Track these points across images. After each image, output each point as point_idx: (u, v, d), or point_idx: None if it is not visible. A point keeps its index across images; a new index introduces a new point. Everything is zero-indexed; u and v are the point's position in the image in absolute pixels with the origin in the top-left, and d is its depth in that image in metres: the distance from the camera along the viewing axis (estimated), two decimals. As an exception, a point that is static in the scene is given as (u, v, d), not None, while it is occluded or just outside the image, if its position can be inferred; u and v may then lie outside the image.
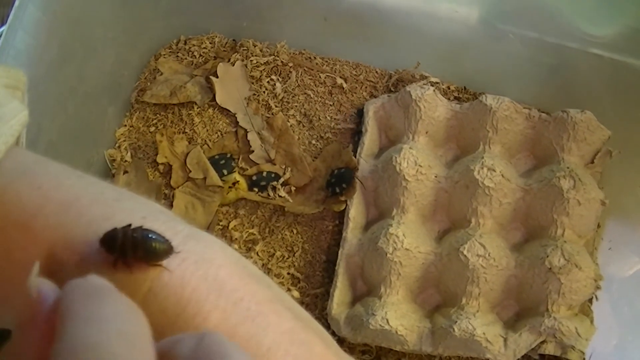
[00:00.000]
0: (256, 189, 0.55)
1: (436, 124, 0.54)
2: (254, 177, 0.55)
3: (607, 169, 0.53)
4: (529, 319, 0.48)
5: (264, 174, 0.55)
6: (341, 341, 0.49)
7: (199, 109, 0.58)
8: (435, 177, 0.51)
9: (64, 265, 0.20)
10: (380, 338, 0.47)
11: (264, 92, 0.59)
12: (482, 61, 0.57)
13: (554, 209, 0.49)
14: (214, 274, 0.21)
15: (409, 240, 0.48)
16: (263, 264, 0.53)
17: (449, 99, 0.56)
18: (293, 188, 0.55)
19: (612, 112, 0.53)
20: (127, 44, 0.57)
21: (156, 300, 0.20)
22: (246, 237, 0.54)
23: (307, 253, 0.53)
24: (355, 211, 0.52)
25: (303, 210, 0.54)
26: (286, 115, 0.58)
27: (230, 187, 0.55)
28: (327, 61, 0.60)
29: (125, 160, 0.57)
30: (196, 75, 0.59)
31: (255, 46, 0.60)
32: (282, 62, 0.59)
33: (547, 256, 0.47)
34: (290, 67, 0.59)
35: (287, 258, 0.53)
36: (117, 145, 0.57)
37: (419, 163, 0.51)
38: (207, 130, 0.57)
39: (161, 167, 0.56)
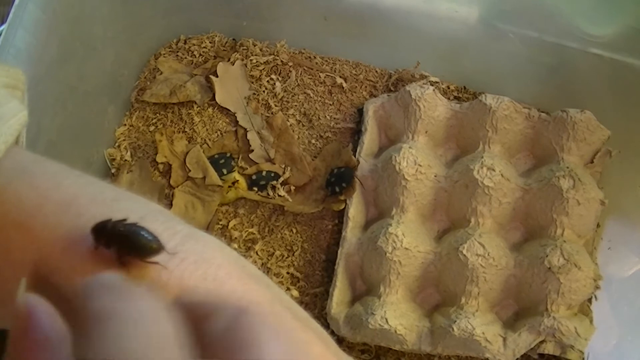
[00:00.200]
0: (256, 188, 0.55)
1: (436, 123, 0.54)
2: (254, 177, 0.55)
3: (607, 169, 0.53)
4: (528, 318, 0.48)
5: (264, 173, 0.55)
6: (340, 340, 0.49)
7: (198, 108, 0.58)
8: (435, 176, 0.51)
9: (62, 265, 0.20)
10: (380, 337, 0.47)
11: (263, 91, 0.59)
12: (482, 61, 0.57)
13: (553, 208, 0.49)
14: (213, 273, 0.21)
15: (409, 240, 0.48)
16: (262, 263, 0.53)
17: (448, 98, 0.56)
18: (293, 187, 0.55)
19: (612, 111, 0.53)
20: (127, 43, 0.57)
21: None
22: (246, 237, 0.54)
23: (307, 252, 0.53)
24: (355, 210, 0.52)
25: (302, 210, 0.54)
26: (286, 114, 0.58)
27: (229, 186, 0.55)
28: (326, 60, 0.60)
29: (125, 160, 0.57)
30: (196, 75, 0.59)
31: (255, 45, 0.60)
32: (281, 61, 0.59)
33: (547, 256, 0.47)
34: (290, 66, 0.59)
35: (287, 257, 0.53)
36: (116, 144, 0.57)
37: (418, 162, 0.51)
38: (207, 130, 0.57)
39: (161, 167, 0.56)
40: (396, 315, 0.47)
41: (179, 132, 0.57)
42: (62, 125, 0.50)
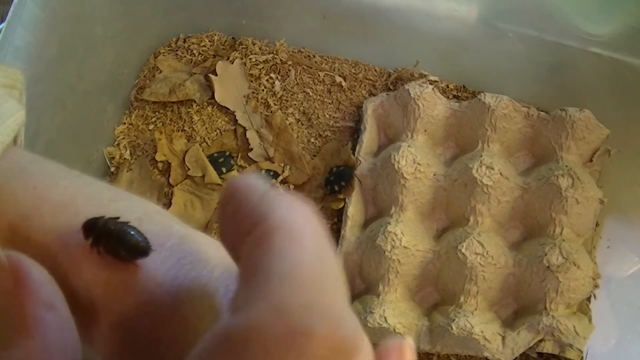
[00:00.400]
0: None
1: (435, 122, 0.54)
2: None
3: (606, 168, 0.53)
4: (527, 317, 0.48)
5: (263, 172, 0.55)
6: (339, 339, 0.49)
7: (198, 107, 0.58)
8: (434, 175, 0.51)
9: (59, 265, 0.20)
10: (379, 336, 0.47)
11: (263, 90, 0.59)
12: (481, 60, 0.57)
13: (552, 207, 0.49)
14: (207, 275, 0.21)
15: (407, 239, 0.48)
16: (262, 262, 0.53)
17: (448, 97, 0.56)
18: (292, 186, 0.55)
19: (611, 110, 0.53)
20: (127, 42, 0.57)
21: (150, 299, 0.20)
22: (245, 235, 0.54)
23: (306, 251, 0.53)
24: (354, 209, 0.52)
25: (302, 208, 0.54)
26: (285, 113, 0.58)
27: (229, 185, 0.55)
28: (326, 59, 0.60)
29: (125, 158, 0.57)
30: (195, 73, 0.59)
31: (254, 44, 0.60)
32: (281, 60, 0.59)
33: (546, 254, 0.47)
34: (289, 65, 0.59)
35: (286, 256, 0.53)
36: (116, 143, 0.57)
37: (417, 161, 0.51)
38: (206, 128, 0.57)
39: (160, 165, 0.56)
40: (395, 314, 0.47)
41: (178, 130, 0.57)
42: (61, 124, 0.50)
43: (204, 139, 0.57)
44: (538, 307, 0.47)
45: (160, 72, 0.59)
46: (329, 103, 0.58)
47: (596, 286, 0.48)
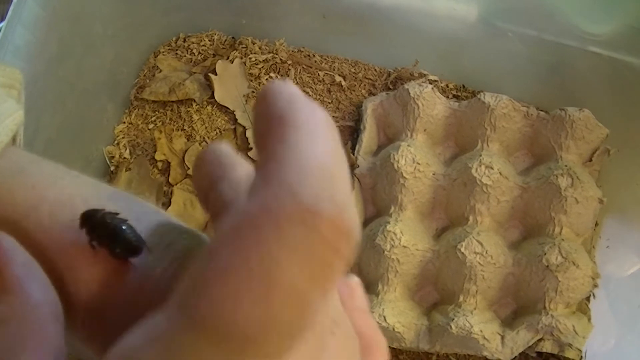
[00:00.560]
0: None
1: (434, 121, 0.54)
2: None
3: (605, 167, 0.53)
4: (526, 316, 0.48)
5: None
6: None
7: (197, 106, 0.58)
8: (433, 174, 0.51)
9: (55, 265, 0.20)
10: (378, 335, 0.47)
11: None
12: (481, 59, 0.57)
13: (551, 207, 0.49)
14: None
15: (407, 238, 0.48)
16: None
17: (447, 97, 0.56)
18: (291, 185, 0.55)
19: (611, 110, 0.53)
20: (127, 41, 0.57)
21: (146, 297, 0.20)
22: (244, 234, 0.54)
23: (305, 250, 0.53)
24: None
25: (301, 208, 0.54)
26: (285, 112, 0.58)
27: (228, 184, 0.55)
28: (325, 59, 0.60)
29: (124, 157, 0.57)
30: (195, 73, 0.59)
31: (254, 44, 0.60)
32: (280, 59, 0.59)
33: (545, 254, 0.47)
34: (289, 64, 0.59)
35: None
36: (115, 142, 0.57)
37: (417, 160, 0.51)
38: (206, 128, 0.57)
39: (160, 164, 0.56)
40: (394, 313, 0.47)
41: (178, 130, 0.58)
42: (61, 123, 0.50)
43: (204, 138, 0.57)
44: (537, 306, 0.47)
45: (160, 71, 0.59)
46: (329, 102, 0.58)
47: (595, 286, 0.48)
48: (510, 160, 0.54)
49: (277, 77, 0.59)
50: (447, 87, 0.58)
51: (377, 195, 0.53)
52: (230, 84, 0.58)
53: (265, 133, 0.14)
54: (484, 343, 0.46)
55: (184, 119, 0.58)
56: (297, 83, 0.59)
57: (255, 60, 0.59)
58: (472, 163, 0.50)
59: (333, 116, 0.58)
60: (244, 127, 0.57)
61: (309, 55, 0.60)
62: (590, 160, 0.52)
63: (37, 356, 0.14)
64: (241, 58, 0.59)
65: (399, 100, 0.54)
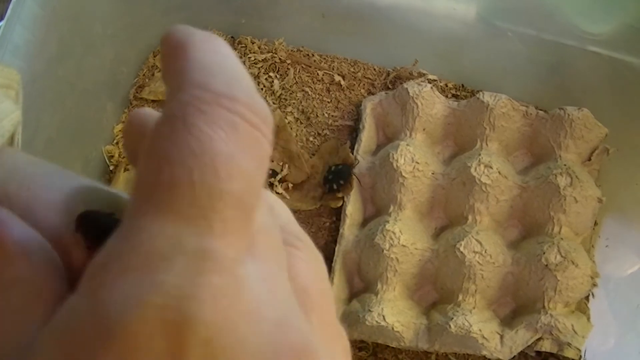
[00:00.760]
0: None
1: (433, 121, 0.54)
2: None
3: (605, 167, 0.53)
4: (525, 316, 0.48)
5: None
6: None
7: (197, 105, 0.58)
8: (432, 174, 0.51)
9: None
10: (377, 334, 0.47)
11: (262, 89, 0.59)
12: (480, 59, 0.57)
13: (550, 206, 0.49)
14: None
15: (406, 237, 0.48)
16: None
17: (446, 96, 0.56)
18: (290, 185, 0.55)
19: (610, 109, 0.53)
20: (126, 41, 0.57)
21: None
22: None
23: (305, 249, 0.53)
24: (352, 208, 0.52)
25: (300, 207, 0.54)
26: (284, 112, 0.58)
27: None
28: (325, 58, 0.60)
29: (123, 157, 0.57)
30: (195, 72, 0.59)
31: (253, 43, 0.60)
32: (280, 59, 0.59)
33: (544, 253, 0.47)
34: (288, 64, 0.59)
35: (285, 254, 0.53)
36: (115, 141, 0.57)
37: (416, 160, 0.51)
38: (205, 127, 0.58)
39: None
40: (393, 313, 0.47)
41: (178, 129, 0.58)
42: (61, 123, 0.50)
43: (203, 137, 0.57)
44: (536, 305, 0.47)
45: (160, 70, 0.60)
46: (328, 102, 0.58)
47: (595, 285, 0.48)
48: (509, 160, 0.54)
49: (276, 76, 0.59)
50: (446, 86, 0.58)
51: (376, 195, 0.53)
52: (229, 84, 0.58)
53: (171, 62, 0.14)
54: (483, 342, 0.46)
55: (184, 118, 0.58)
56: (297, 82, 0.59)
57: (255, 59, 0.59)
58: (471, 162, 0.50)
59: (332, 115, 0.58)
60: (243, 127, 0.57)
61: (308, 55, 0.60)
62: (590, 159, 0.52)
63: (46, 313, 0.14)
64: (240, 57, 0.59)
65: (398, 100, 0.54)
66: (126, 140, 0.19)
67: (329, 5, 0.57)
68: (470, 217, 0.50)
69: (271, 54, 0.59)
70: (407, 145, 0.51)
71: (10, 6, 0.42)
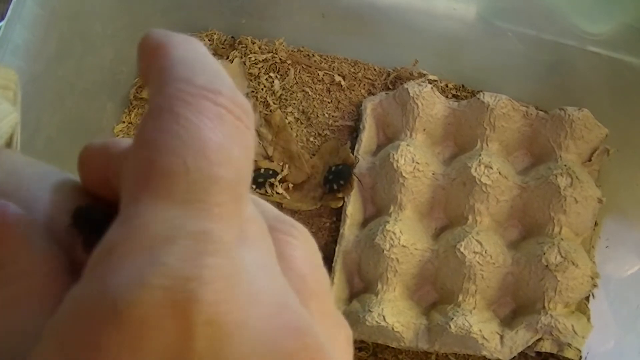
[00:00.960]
0: (254, 186, 0.55)
1: (434, 121, 0.54)
2: (252, 174, 0.55)
3: (605, 167, 0.53)
4: (525, 316, 0.48)
5: (262, 170, 0.55)
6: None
7: (197, 105, 0.58)
8: (433, 174, 0.51)
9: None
10: (377, 335, 0.47)
11: (262, 89, 0.59)
12: (480, 59, 0.57)
13: (551, 206, 0.49)
14: None
15: (406, 237, 0.48)
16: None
17: (447, 96, 0.56)
18: (290, 185, 0.55)
19: (610, 110, 0.53)
20: (126, 40, 0.57)
21: None
22: (244, 234, 0.54)
23: (305, 250, 0.53)
24: (353, 208, 0.52)
25: (300, 207, 0.54)
26: (284, 112, 0.58)
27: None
28: (325, 58, 0.60)
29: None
30: (195, 72, 0.59)
31: (253, 43, 0.60)
32: (280, 59, 0.59)
33: (544, 253, 0.47)
34: (289, 64, 0.59)
35: (285, 255, 0.53)
36: (115, 141, 0.57)
37: (416, 160, 0.51)
38: (206, 127, 0.57)
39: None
40: (393, 313, 0.47)
41: (178, 129, 0.58)
42: (61, 122, 0.50)
43: (203, 137, 0.57)
44: (536, 306, 0.47)
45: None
46: (328, 102, 0.58)
47: (595, 285, 0.48)
48: (509, 160, 0.54)
49: (276, 76, 0.59)
50: (447, 86, 0.58)
51: (376, 195, 0.53)
52: (229, 84, 0.58)
53: (152, 62, 0.15)
54: (483, 342, 0.46)
55: (184, 118, 0.58)
56: (297, 83, 0.59)
57: (255, 59, 0.59)
58: (471, 162, 0.50)
59: (332, 116, 0.58)
60: (243, 127, 0.57)
61: (308, 55, 0.60)
62: (590, 160, 0.52)
63: (51, 304, 0.14)
64: (241, 58, 0.59)
65: (398, 100, 0.54)
66: (86, 171, 0.19)
67: (329, 5, 0.57)
68: (470, 218, 0.50)
69: (271, 54, 0.59)
70: (408, 145, 0.51)
71: (11, 6, 0.42)
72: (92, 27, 0.52)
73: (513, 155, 0.54)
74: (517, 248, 0.50)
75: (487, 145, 0.52)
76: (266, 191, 0.55)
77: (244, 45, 0.60)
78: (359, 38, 0.59)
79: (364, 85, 0.59)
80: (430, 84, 0.55)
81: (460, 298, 0.48)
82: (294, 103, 0.58)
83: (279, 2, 0.58)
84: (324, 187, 0.55)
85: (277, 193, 0.54)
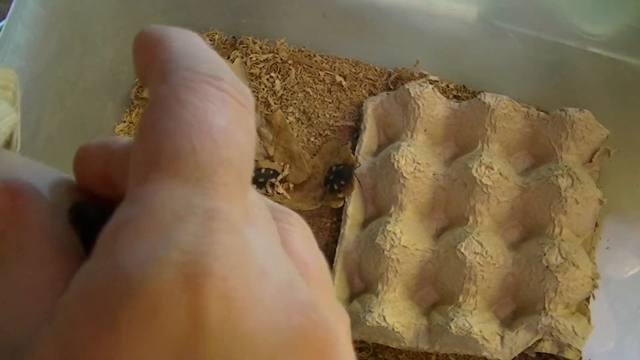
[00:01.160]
0: (254, 186, 0.55)
1: (435, 122, 0.54)
2: (252, 174, 0.55)
3: (605, 168, 0.53)
4: (526, 317, 0.48)
5: (263, 170, 0.55)
6: (338, 338, 0.49)
7: (198, 105, 0.58)
8: (433, 174, 0.51)
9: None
10: (377, 335, 0.47)
11: (263, 89, 0.59)
12: (481, 59, 0.57)
13: (551, 207, 0.49)
14: None
15: (407, 238, 0.48)
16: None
17: (447, 97, 0.56)
18: (291, 185, 0.55)
19: (611, 111, 0.53)
20: (127, 40, 0.57)
21: None
22: (244, 234, 0.54)
23: (305, 250, 0.53)
24: (353, 208, 0.52)
25: (301, 207, 0.54)
26: (285, 112, 0.58)
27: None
28: (326, 59, 0.60)
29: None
30: (195, 72, 0.59)
31: (254, 43, 0.60)
32: (281, 59, 0.59)
33: (545, 254, 0.47)
34: (290, 64, 0.59)
35: (285, 255, 0.53)
36: (116, 141, 0.57)
37: (417, 160, 0.51)
38: (206, 127, 0.57)
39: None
40: (394, 313, 0.47)
41: (178, 129, 0.57)
42: (61, 122, 0.50)
43: (204, 137, 0.57)
44: (537, 307, 0.47)
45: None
46: (329, 102, 0.58)
47: (595, 286, 0.48)
48: (510, 161, 0.54)
49: (277, 76, 0.59)
50: (448, 87, 0.58)
51: (377, 195, 0.53)
52: (230, 84, 0.58)
53: (151, 56, 0.15)
54: (484, 343, 0.46)
55: (184, 118, 0.58)
56: (298, 83, 0.59)
57: (256, 59, 0.59)
58: (472, 163, 0.50)
59: (333, 116, 0.58)
60: (244, 127, 0.57)
61: (309, 55, 0.60)
62: (591, 161, 0.52)
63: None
64: (242, 57, 0.59)
65: (399, 100, 0.54)
66: (83, 170, 0.19)
67: (330, 5, 0.57)
68: (471, 218, 0.50)
69: (273, 54, 0.59)
70: (408, 146, 0.51)
71: (12, 6, 0.42)
72: (92, 26, 0.52)
73: (514, 156, 0.54)
74: (517, 249, 0.50)
75: (488, 145, 0.52)
76: (267, 191, 0.55)
77: (245, 45, 0.60)
78: (360, 38, 0.59)
79: (365, 85, 0.59)
80: (431, 84, 0.55)
81: (461, 299, 0.48)
82: (295, 103, 0.58)
83: (280, 2, 0.58)
84: (324, 187, 0.55)
85: (278, 193, 0.54)
